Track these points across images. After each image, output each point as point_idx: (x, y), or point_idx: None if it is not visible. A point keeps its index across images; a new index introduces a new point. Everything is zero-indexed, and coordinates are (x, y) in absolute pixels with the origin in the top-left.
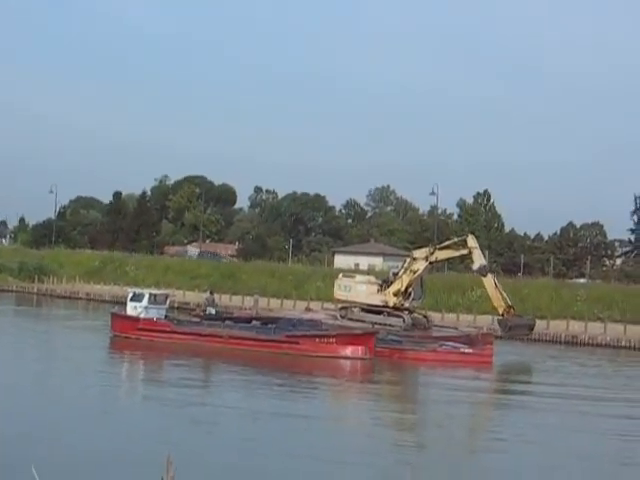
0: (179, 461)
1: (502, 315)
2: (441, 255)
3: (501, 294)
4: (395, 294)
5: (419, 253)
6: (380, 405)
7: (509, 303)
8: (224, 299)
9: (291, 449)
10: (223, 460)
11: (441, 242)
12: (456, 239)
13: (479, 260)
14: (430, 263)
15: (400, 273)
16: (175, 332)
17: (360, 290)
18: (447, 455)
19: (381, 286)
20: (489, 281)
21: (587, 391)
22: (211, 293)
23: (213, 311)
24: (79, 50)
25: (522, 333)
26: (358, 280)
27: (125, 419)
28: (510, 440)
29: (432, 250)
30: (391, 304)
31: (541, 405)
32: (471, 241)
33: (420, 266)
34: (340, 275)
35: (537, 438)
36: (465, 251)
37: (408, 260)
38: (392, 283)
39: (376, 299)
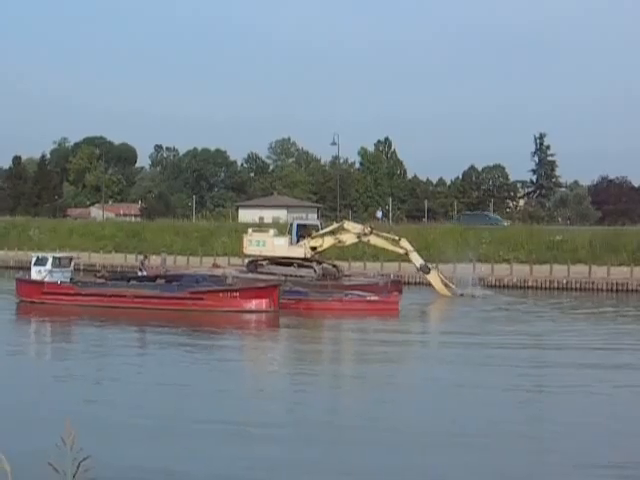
0: (82, 422)
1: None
2: (374, 240)
3: (447, 284)
4: (312, 249)
5: (352, 227)
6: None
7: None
8: (130, 259)
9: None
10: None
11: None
12: (394, 236)
13: (417, 261)
14: (359, 241)
15: (323, 232)
16: (80, 294)
17: (278, 244)
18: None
19: (300, 239)
20: (434, 277)
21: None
22: (145, 257)
23: (144, 273)
24: None
25: None
26: (274, 234)
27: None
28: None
29: (367, 231)
30: (308, 256)
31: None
32: (405, 244)
33: (349, 239)
34: (250, 230)
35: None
36: (402, 251)
37: (337, 225)
38: (309, 237)
39: (297, 252)
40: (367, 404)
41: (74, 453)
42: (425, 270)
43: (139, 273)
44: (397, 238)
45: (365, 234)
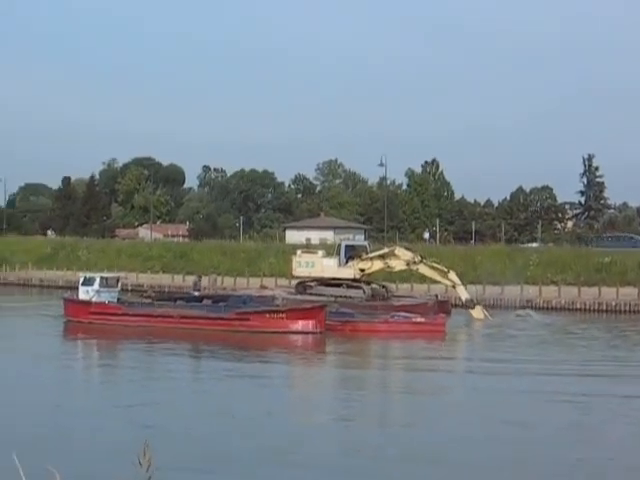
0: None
1: None
2: (422, 270)
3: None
4: (361, 270)
5: (402, 254)
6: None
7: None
8: (177, 279)
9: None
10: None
11: (424, 257)
12: (443, 268)
13: (464, 294)
14: (408, 267)
15: (373, 255)
16: (127, 314)
17: (327, 265)
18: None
19: (348, 260)
20: (477, 312)
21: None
22: (199, 277)
23: (196, 294)
24: (23, 32)
25: None
26: (323, 255)
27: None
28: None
29: (417, 260)
30: (357, 276)
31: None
32: (453, 277)
33: (398, 266)
34: (298, 252)
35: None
36: (449, 283)
37: (387, 250)
38: (358, 258)
39: (346, 272)
40: (409, 433)
41: (150, 473)
42: (470, 305)
43: (195, 293)
44: (446, 270)
45: (415, 262)
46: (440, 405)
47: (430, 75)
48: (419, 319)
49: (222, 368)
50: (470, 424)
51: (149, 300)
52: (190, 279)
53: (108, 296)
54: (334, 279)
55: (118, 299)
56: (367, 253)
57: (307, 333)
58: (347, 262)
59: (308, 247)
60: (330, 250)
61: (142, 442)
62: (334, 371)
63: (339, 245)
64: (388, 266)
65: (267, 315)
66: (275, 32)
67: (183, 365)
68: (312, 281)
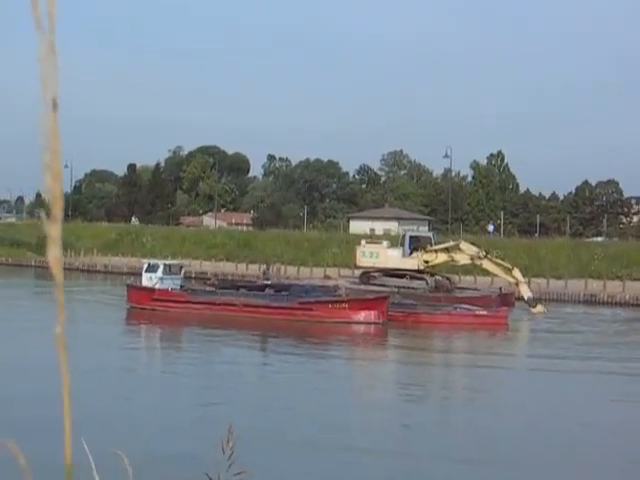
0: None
1: None
2: (486, 265)
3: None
4: (425, 262)
5: (467, 248)
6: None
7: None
8: (240, 268)
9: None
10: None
11: (488, 252)
12: (508, 264)
13: (526, 293)
14: (472, 262)
15: (438, 248)
16: (190, 302)
17: (391, 255)
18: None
19: (412, 251)
20: (538, 310)
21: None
22: (267, 266)
23: (266, 282)
24: (87, 21)
25: None
26: (387, 246)
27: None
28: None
29: (482, 255)
30: (421, 267)
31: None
32: (517, 274)
33: (462, 260)
34: (363, 242)
35: None
36: (513, 280)
37: (453, 243)
38: (422, 249)
39: (410, 263)
40: (465, 431)
41: (232, 460)
42: (532, 304)
43: (265, 282)
44: (510, 267)
45: (479, 257)
46: (499, 403)
47: (490, 68)
48: (481, 312)
49: (282, 358)
50: (528, 423)
51: (212, 288)
52: (253, 268)
53: (171, 283)
54: (398, 270)
55: (181, 286)
56: (432, 244)
57: (369, 323)
58: (411, 253)
59: (372, 237)
60: (394, 241)
61: (224, 427)
62: (394, 364)
63: (404, 236)
64: (452, 260)
65: (329, 305)
66: (338, 17)
67: (244, 354)
68: (376, 271)
